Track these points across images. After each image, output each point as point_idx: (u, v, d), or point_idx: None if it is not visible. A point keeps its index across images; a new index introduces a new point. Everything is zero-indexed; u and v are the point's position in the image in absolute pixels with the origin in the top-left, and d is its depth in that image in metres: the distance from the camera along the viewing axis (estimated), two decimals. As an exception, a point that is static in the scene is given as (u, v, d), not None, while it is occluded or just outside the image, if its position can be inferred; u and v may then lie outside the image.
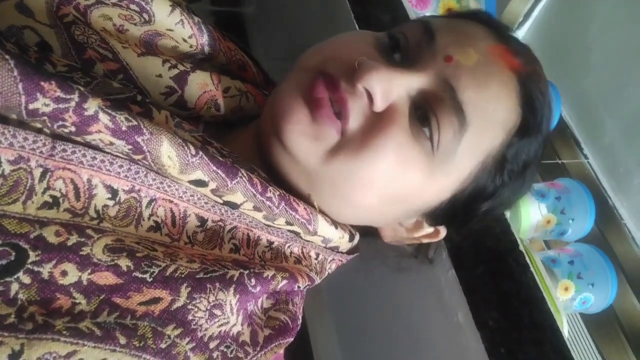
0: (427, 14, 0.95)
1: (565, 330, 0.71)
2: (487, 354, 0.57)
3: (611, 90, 1.04)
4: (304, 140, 0.42)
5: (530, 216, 0.83)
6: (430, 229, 0.50)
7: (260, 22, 1.17)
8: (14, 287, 0.30)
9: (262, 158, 0.46)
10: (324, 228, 0.45)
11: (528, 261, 0.65)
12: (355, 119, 0.41)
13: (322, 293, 0.79)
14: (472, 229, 0.51)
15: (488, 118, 0.42)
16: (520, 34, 1.20)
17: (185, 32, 0.47)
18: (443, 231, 0.50)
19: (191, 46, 0.48)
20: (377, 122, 0.41)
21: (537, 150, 0.46)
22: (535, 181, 0.98)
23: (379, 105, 0.41)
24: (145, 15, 0.45)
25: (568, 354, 0.59)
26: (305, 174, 0.43)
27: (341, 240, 0.48)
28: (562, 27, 1.15)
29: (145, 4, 0.44)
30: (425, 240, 0.51)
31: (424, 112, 0.42)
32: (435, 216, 0.48)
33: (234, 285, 0.37)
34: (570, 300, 0.80)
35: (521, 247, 0.65)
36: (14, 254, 0.31)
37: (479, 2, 0.96)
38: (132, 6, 0.44)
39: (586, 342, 0.88)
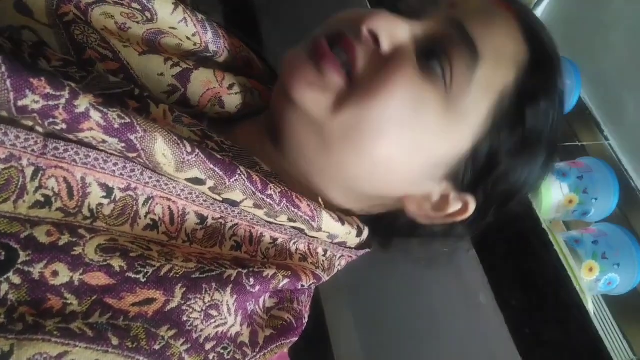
0: None
1: (590, 311, 0.69)
2: (510, 334, 0.56)
3: (632, 69, 1.01)
4: (310, 90, 0.42)
5: (551, 196, 0.81)
6: (457, 205, 0.47)
7: (271, 9, 1.16)
8: (4, 287, 0.30)
9: (269, 137, 0.46)
10: (329, 224, 0.44)
11: (551, 239, 0.63)
12: (362, 63, 0.42)
13: (339, 276, 0.78)
14: (498, 208, 0.49)
15: (498, 51, 0.43)
16: (538, 12, 1.17)
17: (188, 30, 0.46)
18: (472, 203, 0.47)
19: (195, 44, 0.48)
20: (384, 65, 0.42)
21: (551, 88, 0.46)
22: (555, 161, 0.96)
23: (385, 45, 0.42)
24: (148, 14, 0.45)
25: (595, 333, 0.58)
26: (316, 131, 0.43)
27: (348, 236, 0.47)
28: (580, 5, 1.12)
29: (148, 2, 0.44)
30: (456, 218, 0.48)
31: (433, 51, 0.42)
32: (459, 178, 0.46)
33: (231, 285, 0.37)
34: (595, 282, 0.78)
35: (544, 225, 0.63)
36: (3, 253, 0.30)
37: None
38: (134, 4, 0.44)
39: (609, 323, 0.86)
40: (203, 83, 0.46)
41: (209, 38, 0.48)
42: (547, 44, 0.46)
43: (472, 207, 0.47)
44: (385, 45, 0.42)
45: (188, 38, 0.47)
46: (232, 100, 0.48)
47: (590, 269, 0.77)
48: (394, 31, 0.43)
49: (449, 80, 0.42)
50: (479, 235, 0.61)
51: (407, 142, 0.42)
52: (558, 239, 0.73)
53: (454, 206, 0.47)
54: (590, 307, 0.70)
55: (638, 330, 0.86)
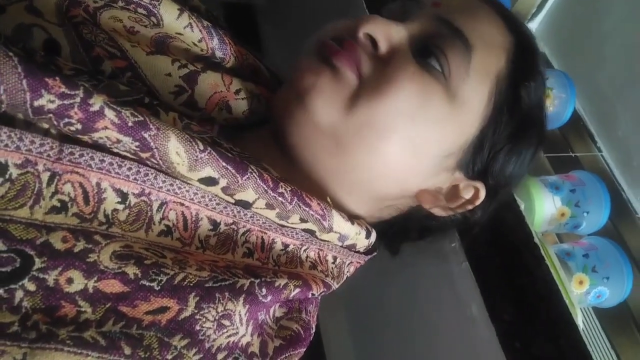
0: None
1: (579, 324, 0.70)
2: (501, 347, 0.56)
3: (626, 83, 1.02)
4: (326, 95, 0.43)
5: (544, 209, 0.82)
6: (469, 192, 0.48)
7: (271, 13, 1.16)
8: (19, 294, 0.30)
9: (278, 146, 0.46)
10: (340, 224, 0.44)
11: (543, 254, 0.64)
12: (366, 64, 0.44)
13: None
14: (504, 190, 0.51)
15: (487, 40, 0.46)
16: (533, 25, 1.18)
17: (194, 35, 0.47)
18: (482, 189, 0.48)
19: (202, 50, 0.48)
20: (385, 65, 0.44)
21: (537, 69, 0.49)
22: (548, 173, 0.97)
23: (383, 47, 0.44)
24: (154, 19, 0.45)
25: (584, 348, 0.58)
26: (329, 134, 0.43)
27: (358, 236, 0.47)
28: (576, 19, 1.13)
29: (153, 7, 0.44)
30: (470, 206, 0.49)
31: (427, 49, 0.44)
32: (469, 166, 0.48)
33: (243, 295, 0.37)
34: (585, 294, 0.79)
35: (536, 240, 0.64)
36: (19, 260, 0.30)
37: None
38: (140, 10, 0.44)
39: (599, 336, 0.87)
40: (210, 86, 0.46)
41: (215, 44, 0.48)
42: (527, 31, 0.50)
43: (482, 192, 0.48)
44: (383, 47, 0.44)
45: (195, 44, 0.47)
46: (239, 105, 0.48)
47: (581, 282, 0.78)
48: (389, 33, 0.44)
49: (447, 71, 0.43)
50: (473, 248, 0.62)
51: (419, 135, 0.44)
52: (549, 252, 0.74)
53: (466, 194, 0.49)
54: (579, 320, 0.71)
55: (627, 343, 0.87)
